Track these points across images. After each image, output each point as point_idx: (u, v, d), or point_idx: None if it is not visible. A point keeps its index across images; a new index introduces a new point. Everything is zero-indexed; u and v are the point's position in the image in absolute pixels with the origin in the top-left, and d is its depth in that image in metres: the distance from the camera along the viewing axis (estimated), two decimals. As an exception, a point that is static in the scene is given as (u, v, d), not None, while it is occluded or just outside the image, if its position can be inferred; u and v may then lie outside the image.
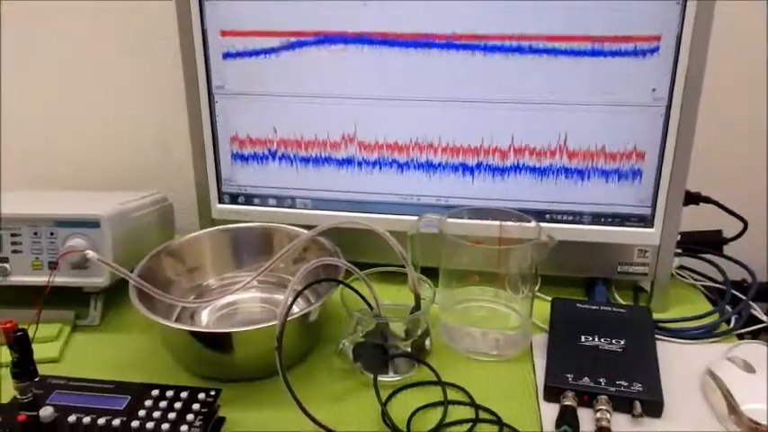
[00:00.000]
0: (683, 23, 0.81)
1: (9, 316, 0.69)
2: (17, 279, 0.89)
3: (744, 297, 0.93)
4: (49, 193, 1.11)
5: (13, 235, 0.88)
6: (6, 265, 0.88)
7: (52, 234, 0.87)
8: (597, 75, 0.86)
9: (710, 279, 1.00)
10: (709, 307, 0.94)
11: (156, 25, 1.12)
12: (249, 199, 1.01)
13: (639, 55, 0.84)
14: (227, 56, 0.94)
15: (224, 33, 0.92)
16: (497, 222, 0.86)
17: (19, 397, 0.70)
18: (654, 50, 0.84)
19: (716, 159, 1.10)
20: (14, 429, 0.68)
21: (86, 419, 0.69)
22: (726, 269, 0.99)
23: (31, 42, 1.17)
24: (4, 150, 1.23)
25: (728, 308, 0.92)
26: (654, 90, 0.85)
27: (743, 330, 0.89)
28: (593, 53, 0.85)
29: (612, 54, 0.85)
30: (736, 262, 1.00)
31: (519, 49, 0.86)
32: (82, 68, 1.18)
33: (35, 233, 0.88)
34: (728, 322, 0.90)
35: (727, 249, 1.03)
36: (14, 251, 0.88)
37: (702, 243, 1.04)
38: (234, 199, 1.01)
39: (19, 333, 0.68)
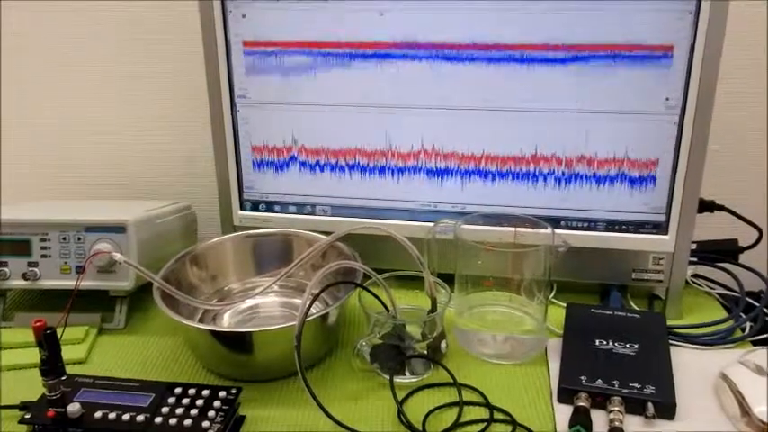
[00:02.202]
0: (695, 32, 0.83)
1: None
2: (46, 283, 0.91)
3: (758, 305, 0.93)
4: (77, 201, 1.14)
5: (42, 240, 0.90)
6: (36, 270, 0.91)
7: (80, 239, 0.90)
8: (611, 84, 0.87)
9: (726, 288, 1.01)
10: (724, 314, 0.94)
11: (179, 36, 1.15)
12: (270, 206, 1.03)
13: (653, 64, 0.86)
14: (249, 66, 0.96)
15: (246, 44, 0.95)
16: (512, 228, 0.88)
17: (47, 394, 0.73)
18: (667, 60, 0.85)
19: (730, 167, 1.11)
20: (44, 424, 0.71)
21: (112, 415, 0.71)
22: (742, 278, 1.00)
23: (56, 55, 1.20)
24: (35, 162, 1.27)
25: (743, 315, 0.92)
26: (667, 99, 0.87)
27: (757, 337, 0.89)
28: (608, 62, 0.87)
29: (626, 63, 0.86)
30: (752, 270, 1.00)
31: (535, 58, 0.88)
32: (106, 81, 1.21)
33: (64, 238, 0.90)
34: (743, 329, 0.91)
35: (742, 258, 1.04)
36: (44, 256, 0.91)
37: (718, 251, 1.04)
38: (255, 206, 1.03)
39: (48, 331, 0.70)
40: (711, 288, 1.01)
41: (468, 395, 0.78)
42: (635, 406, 0.74)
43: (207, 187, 1.18)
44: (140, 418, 0.70)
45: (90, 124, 1.24)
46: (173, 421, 0.70)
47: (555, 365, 0.82)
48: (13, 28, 1.19)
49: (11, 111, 1.24)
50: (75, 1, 1.16)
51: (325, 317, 0.81)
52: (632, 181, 0.91)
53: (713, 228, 1.02)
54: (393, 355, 0.80)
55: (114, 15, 1.16)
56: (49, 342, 0.71)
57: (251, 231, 0.99)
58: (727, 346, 0.87)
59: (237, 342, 0.78)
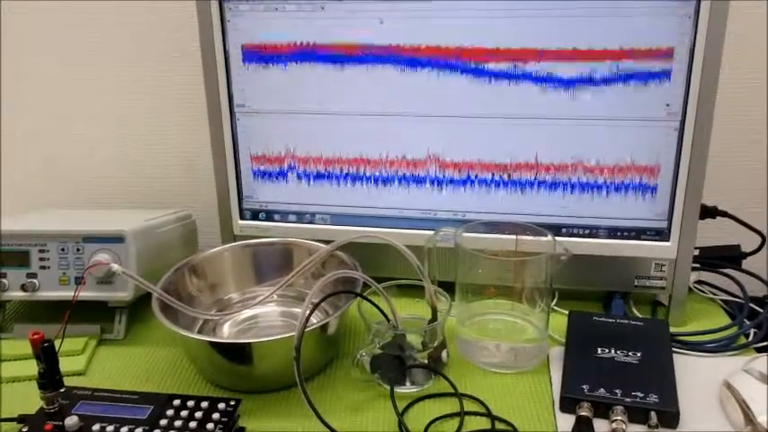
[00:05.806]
0: (695, 38, 0.82)
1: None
2: (45, 294, 0.90)
3: (762, 311, 0.93)
4: (76, 211, 1.14)
5: (40, 251, 0.90)
6: (35, 281, 0.90)
7: (79, 250, 0.89)
8: (612, 91, 0.87)
9: (729, 294, 1.00)
10: (728, 321, 0.93)
11: (178, 44, 1.15)
12: (270, 215, 1.02)
13: (652, 70, 0.85)
14: (247, 74, 0.95)
15: (245, 49, 0.94)
16: (513, 236, 0.87)
17: (45, 407, 0.72)
18: (667, 65, 0.85)
19: (732, 173, 1.10)
20: (41, 438, 0.70)
21: (110, 428, 0.70)
22: (745, 284, 0.99)
23: (55, 61, 1.20)
24: (32, 170, 1.26)
25: (747, 322, 0.92)
26: (668, 105, 0.86)
27: (761, 344, 0.88)
28: (607, 69, 0.86)
29: (626, 70, 0.86)
30: (755, 276, 0.99)
31: (536, 65, 0.87)
32: (106, 89, 1.20)
33: (62, 249, 0.90)
34: (747, 336, 0.90)
35: (745, 264, 1.03)
36: (42, 267, 0.90)
37: (721, 257, 1.03)
38: (255, 215, 1.03)
39: (46, 344, 0.70)
40: (715, 294, 1.00)
41: (469, 405, 0.78)
42: (638, 415, 0.73)
43: (206, 196, 1.18)
44: (139, 430, 0.70)
45: (89, 133, 1.24)
46: (171, 434, 0.70)
47: (557, 374, 0.81)
48: (13, 30, 1.19)
49: (9, 117, 1.24)
50: (76, 2, 1.16)
51: (324, 327, 0.80)
52: (633, 187, 0.90)
53: (715, 233, 1.01)
54: (394, 365, 0.80)
55: (114, 21, 1.16)
56: (46, 355, 0.70)
57: (250, 241, 0.99)
58: (730, 353, 0.87)
59: (237, 353, 0.78)
